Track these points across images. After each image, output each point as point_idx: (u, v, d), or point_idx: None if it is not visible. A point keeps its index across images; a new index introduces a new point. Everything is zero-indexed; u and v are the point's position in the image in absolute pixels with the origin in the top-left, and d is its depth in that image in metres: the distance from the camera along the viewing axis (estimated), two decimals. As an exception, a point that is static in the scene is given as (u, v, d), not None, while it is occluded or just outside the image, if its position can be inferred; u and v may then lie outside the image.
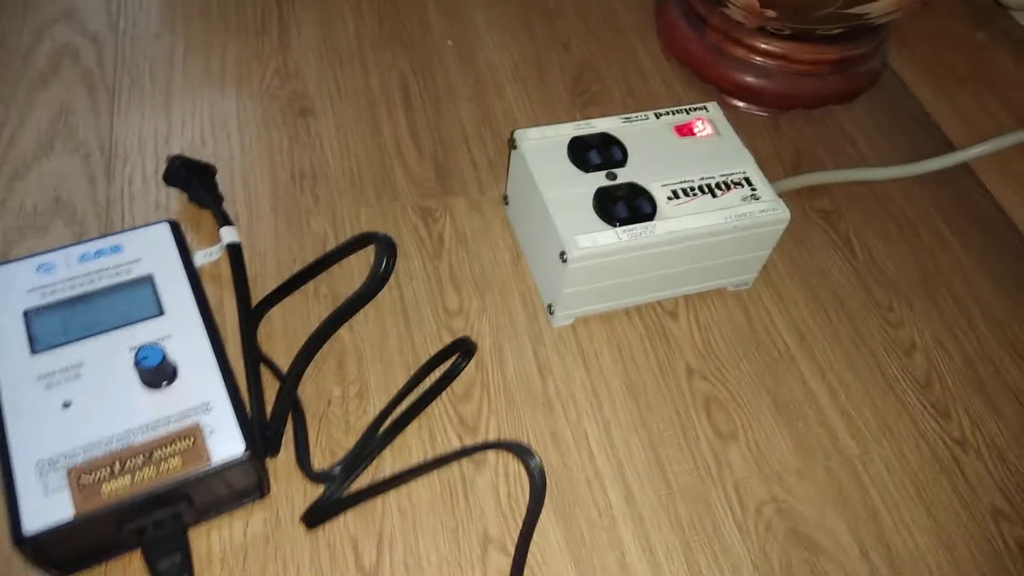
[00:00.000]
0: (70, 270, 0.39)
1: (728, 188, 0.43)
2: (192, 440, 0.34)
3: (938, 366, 0.46)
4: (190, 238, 0.46)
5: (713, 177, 0.44)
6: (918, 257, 0.51)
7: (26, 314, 0.37)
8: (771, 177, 0.48)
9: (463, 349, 0.43)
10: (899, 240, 0.52)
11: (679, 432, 0.42)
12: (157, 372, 0.35)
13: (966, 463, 0.43)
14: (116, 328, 0.37)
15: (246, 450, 0.34)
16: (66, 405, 0.35)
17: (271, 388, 0.41)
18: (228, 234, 0.45)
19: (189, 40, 0.58)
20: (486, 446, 0.40)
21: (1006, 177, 0.56)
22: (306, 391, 0.42)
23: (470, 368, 0.44)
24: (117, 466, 0.33)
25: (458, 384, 0.43)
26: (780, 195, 0.44)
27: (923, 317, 0.48)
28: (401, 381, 0.42)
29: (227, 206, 0.48)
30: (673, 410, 0.43)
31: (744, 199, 0.43)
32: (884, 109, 0.59)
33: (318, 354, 0.43)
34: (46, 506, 0.32)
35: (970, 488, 0.42)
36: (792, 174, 0.53)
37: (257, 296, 0.44)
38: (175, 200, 0.49)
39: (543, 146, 0.45)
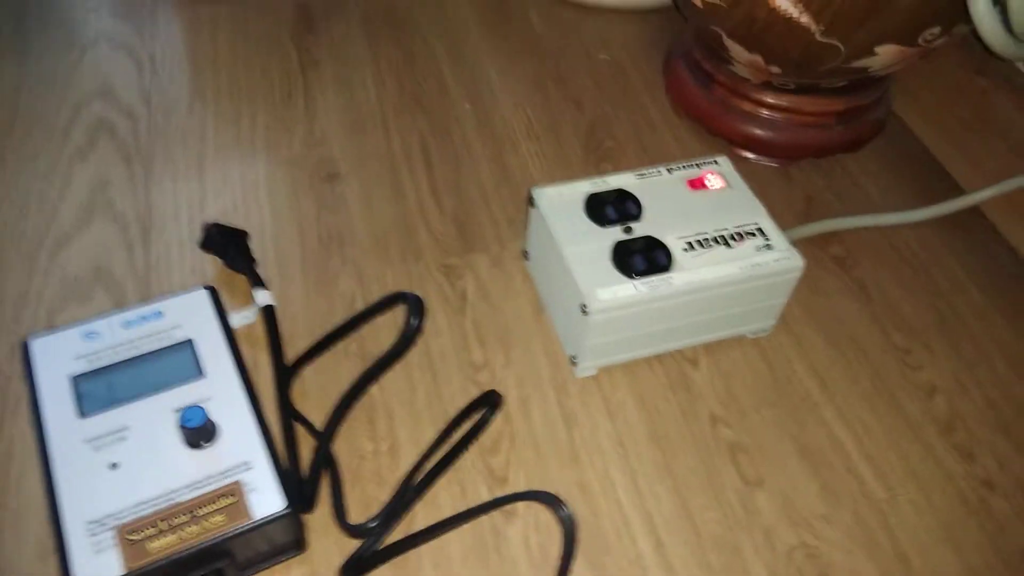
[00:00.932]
0: (114, 336, 0.41)
1: (742, 238, 0.45)
2: (234, 497, 0.35)
3: (960, 408, 0.47)
4: (225, 301, 0.48)
5: (727, 228, 0.45)
6: (933, 300, 0.52)
7: (74, 379, 0.39)
8: (784, 225, 0.49)
9: (490, 402, 0.44)
10: (914, 283, 0.53)
11: (705, 480, 0.43)
12: (200, 432, 0.36)
13: (994, 504, 0.43)
14: (159, 391, 0.39)
15: (287, 506, 0.35)
16: (113, 466, 0.36)
17: (305, 444, 0.42)
18: (263, 297, 0.47)
19: (219, 111, 0.61)
20: (516, 497, 0.41)
21: (1016, 218, 0.57)
22: (339, 447, 0.43)
23: (497, 421, 0.45)
24: (163, 524, 0.34)
25: (486, 437, 0.44)
26: (793, 243, 0.45)
27: (942, 359, 0.49)
28: (430, 435, 0.44)
29: (259, 269, 0.50)
30: (698, 458, 0.44)
31: (758, 248, 0.44)
32: (892, 156, 0.61)
33: (349, 413, 0.44)
34: (97, 564, 0.33)
35: (999, 528, 0.42)
36: (804, 222, 0.55)
37: (290, 356, 0.46)
38: (210, 265, 0.51)
39: (560, 203, 0.47)
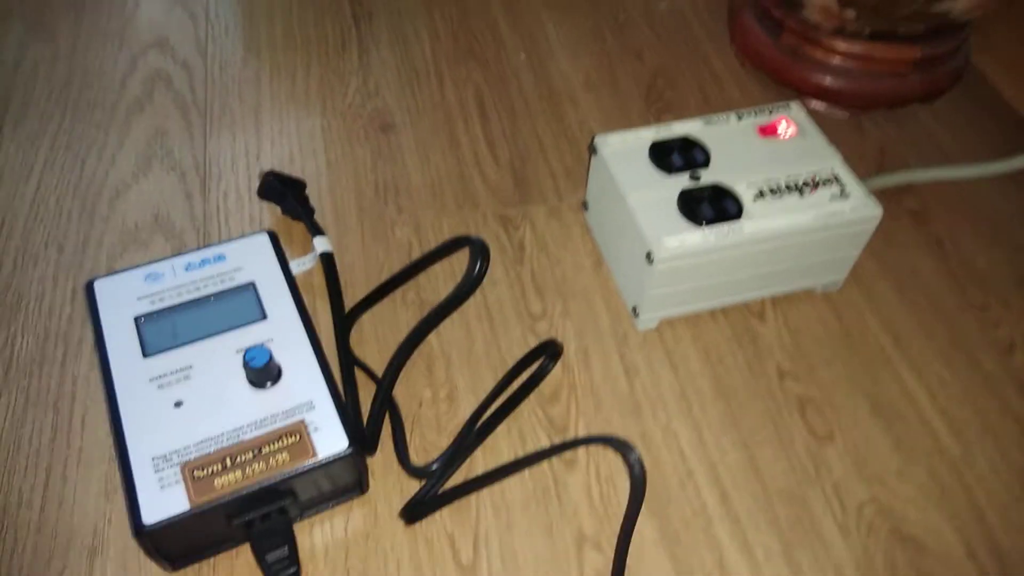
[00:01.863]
0: (177, 279, 0.41)
1: (816, 186, 0.43)
2: (298, 436, 0.35)
3: (1040, 365, 0.45)
4: (284, 250, 0.48)
5: (800, 176, 0.44)
6: (1011, 255, 0.49)
7: (137, 320, 0.39)
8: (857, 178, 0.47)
9: (549, 351, 0.43)
10: (991, 239, 0.50)
11: (773, 433, 0.42)
12: (264, 372, 0.36)
13: (1076, 464, 0.41)
14: (222, 332, 0.39)
15: (349, 445, 0.35)
16: (178, 404, 0.36)
17: (364, 390, 0.42)
18: (321, 244, 0.46)
19: (274, 63, 0.61)
20: (585, 440, 0.40)
21: (1102, 172, 0.54)
22: (398, 393, 0.43)
23: (556, 371, 0.44)
24: (228, 461, 0.34)
25: (545, 386, 0.43)
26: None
27: (1021, 316, 0.47)
28: (489, 384, 0.43)
29: (317, 219, 0.50)
30: (765, 412, 0.42)
31: (833, 197, 0.43)
32: (969, 107, 0.58)
33: (407, 360, 0.44)
34: (163, 499, 0.33)
35: (1082, 490, 0.40)
36: (877, 174, 0.52)
37: (348, 303, 0.46)
38: (267, 213, 0.51)
39: (624, 151, 0.45)
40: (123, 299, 0.40)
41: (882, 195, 0.51)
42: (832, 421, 0.42)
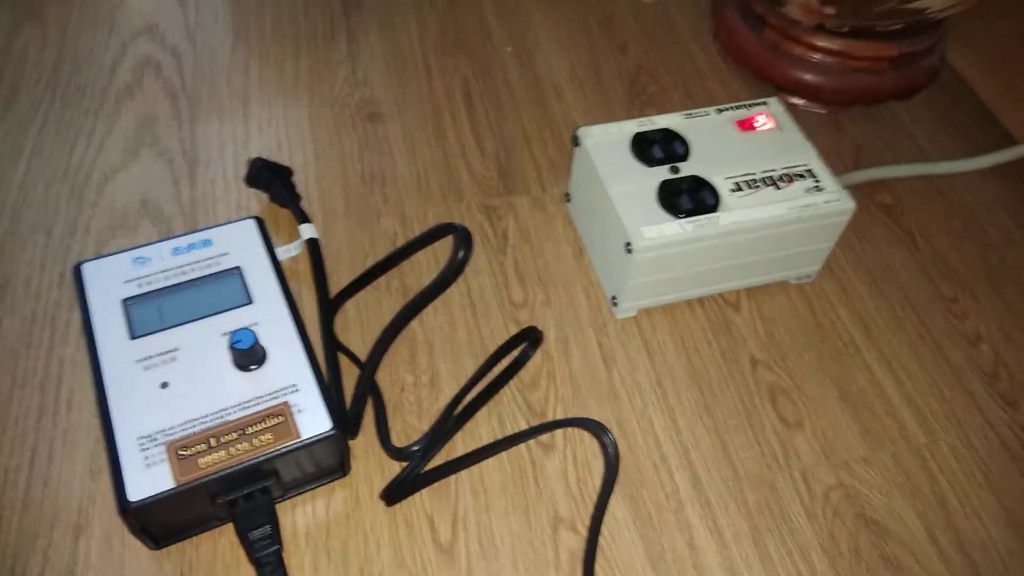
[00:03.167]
0: (164, 262, 0.42)
1: (791, 180, 0.44)
2: (282, 417, 0.36)
3: (1005, 357, 0.46)
4: (270, 235, 0.49)
5: (776, 170, 0.45)
6: (982, 250, 0.51)
7: (125, 302, 0.40)
8: (832, 172, 0.48)
9: (530, 338, 0.44)
10: (963, 234, 0.52)
11: (744, 420, 0.43)
12: (249, 354, 0.37)
13: (1037, 453, 0.42)
14: (208, 315, 0.39)
15: (332, 427, 0.36)
16: (164, 385, 0.37)
17: (347, 375, 0.43)
18: (307, 230, 0.47)
19: (263, 51, 0.61)
20: (560, 423, 0.41)
21: (1072, 170, 0.55)
22: (381, 378, 0.44)
23: (536, 358, 0.45)
24: (213, 441, 0.35)
25: (525, 373, 0.44)
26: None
27: (989, 309, 0.48)
28: (470, 370, 0.44)
29: (303, 206, 0.51)
30: (738, 399, 0.44)
31: (808, 190, 0.44)
32: (945, 105, 0.59)
33: (391, 345, 0.45)
34: (148, 477, 0.34)
35: (1042, 477, 0.41)
36: (853, 169, 0.54)
37: (333, 290, 0.46)
38: (255, 200, 0.51)
39: (606, 142, 0.46)
40: (111, 282, 0.41)
41: (857, 190, 0.53)
42: (802, 409, 0.43)
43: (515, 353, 0.44)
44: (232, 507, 0.36)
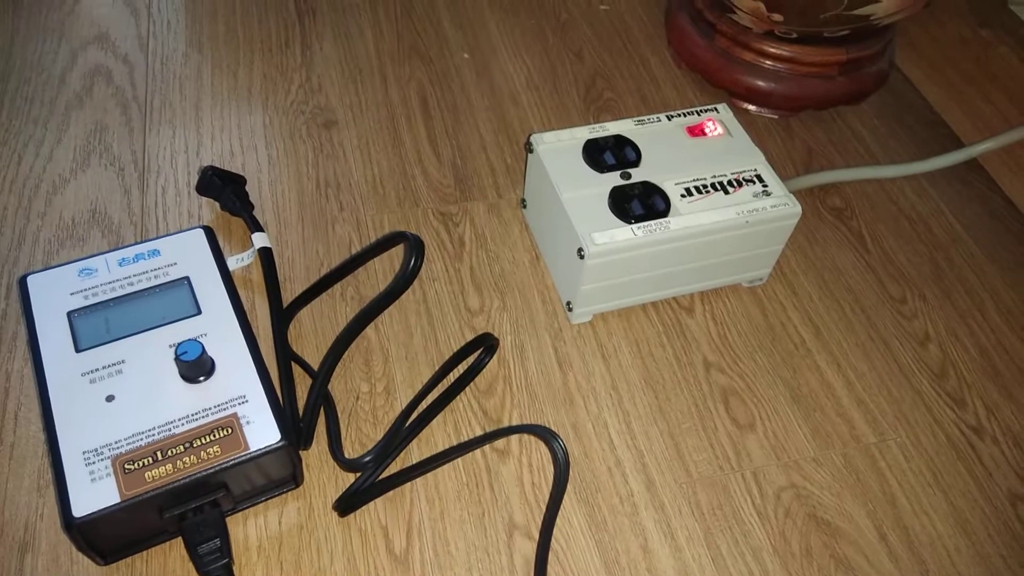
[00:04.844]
0: (110, 274, 0.41)
1: (740, 185, 0.45)
2: (230, 430, 0.35)
3: (952, 356, 0.47)
4: (222, 246, 0.48)
5: (725, 175, 0.45)
6: (930, 251, 0.52)
7: (70, 315, 0.39)
8: (783, 176, 0.49)
9: (486, 344, 0.44)
10: (911, 235, 0.53)
11: (698, 423, 0.43)
12: (196, 366, 0.36)
13: (982, 449, 0.43)
14: (156, 327, 0.39)
15: (281, 438, 0.35)
16: (109, 399, 0.36)
17: (301, 385, 0.43)
18: (260, 239, 0.47)
19: (216, 58, 0.61)
20: (511, 430, 0.41)
21: (1015, 171, 0.57)
22: (335, 387, 0.43)
23: (492, 364, 0.45)
24: (159, 454, 0.35)
25: (481, 380, 0.44)
26: (793, 193, 0.45)
27: (936, 309, 0.49)
28: (426, 377, 0.44)
29: (256, 215, 0.50)
30: (691, 402, 0.44)
31: (756, 195, 0.44)
32: (893, 109, 0.60)
33: (346, 353, 0.44)
34: (93, 492, 0.33)
35: (987, 473, 0.42)
36: (804, 173, 0.54)
37: (287, 299, 0.46)
38: (206, 209, 0.51)
39: (559, 149, 0.47)
40: (56, 294, 0.40)
41: (808, 194, 0.54)
42: (753, 410, 0.44)
43: (471, 360, 0.44)
44: (181, 521, 0.35)
